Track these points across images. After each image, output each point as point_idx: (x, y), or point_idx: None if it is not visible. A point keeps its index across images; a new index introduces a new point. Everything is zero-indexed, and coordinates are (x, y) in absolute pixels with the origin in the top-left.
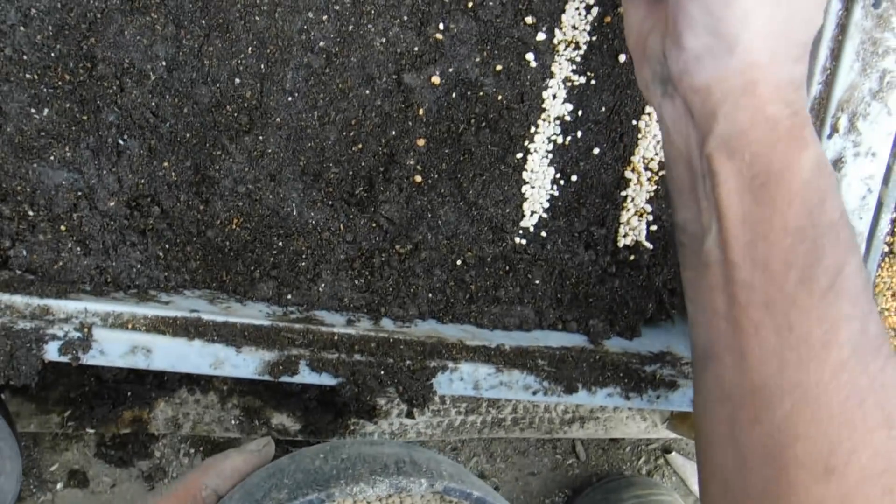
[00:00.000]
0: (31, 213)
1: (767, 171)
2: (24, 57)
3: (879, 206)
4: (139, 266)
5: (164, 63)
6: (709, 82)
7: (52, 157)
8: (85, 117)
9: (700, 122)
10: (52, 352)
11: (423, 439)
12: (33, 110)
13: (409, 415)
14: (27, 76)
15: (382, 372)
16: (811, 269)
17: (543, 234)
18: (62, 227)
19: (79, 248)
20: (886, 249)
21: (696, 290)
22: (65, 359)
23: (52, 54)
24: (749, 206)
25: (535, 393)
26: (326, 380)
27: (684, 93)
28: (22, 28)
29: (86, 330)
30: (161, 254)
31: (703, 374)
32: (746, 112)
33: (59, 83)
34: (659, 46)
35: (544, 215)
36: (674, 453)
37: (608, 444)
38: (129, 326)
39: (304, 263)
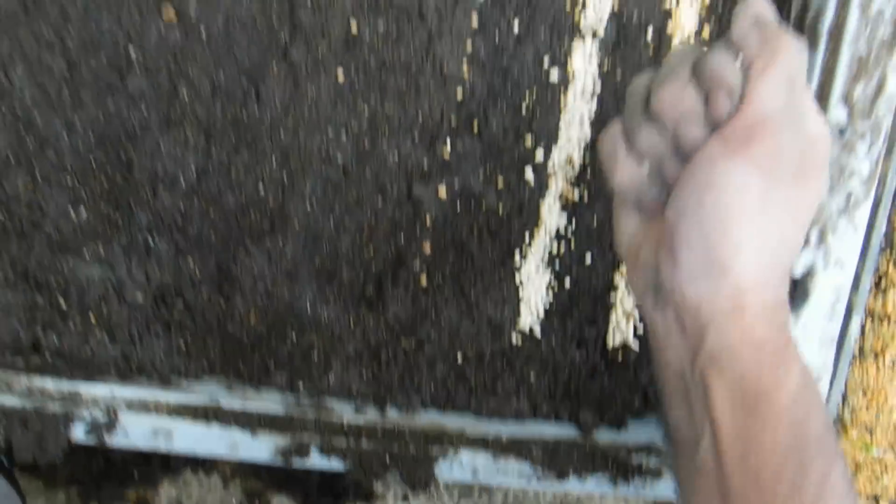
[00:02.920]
0: (63, 303)
1: (756, 391)
2: (66, 163)
3: (849, 310)
4: (162, 355)
5: (194, 171)
6: (700, 301)
7: (86, 254)
8: (119, 218)
9: (689, 336)
10: (79, 433)
11: None
12: (71, 211)
13: (405, 499)
14: (68, 180)
15: (388, 458)
16: (799, 481)
17: (538, 333)
18: (92, 317)
19: (106, 337)
20: (857, 352)
21: (689, 486)
22: (90, 440)
23: (93, 161)
24: (741, 422)
25: (529, 480)
26: (336, 464)
27: (676, 307)
28: (66, 136)
29: (112, 413)
30: (183, 344)
31: None
32: (735, 332)
33: (97, 187)
34: (652, 258)
35: (540, 316)
36: None
37: None
38: (153, 410)
39: (315, 357)
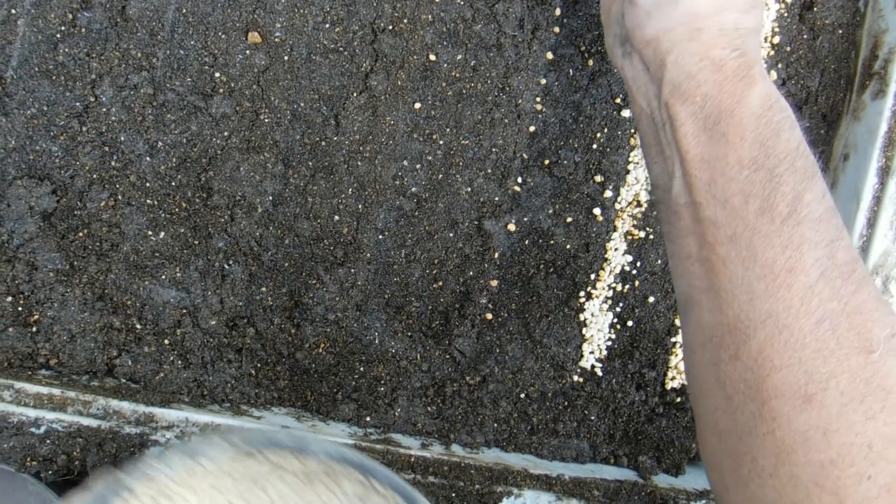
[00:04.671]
0: (138, 326)
1: (718, 110)
2: (147, 184)
3: None
4: (233, 381)
5: (271, 198)
6: (657, 33)
7: (163, 277)
8: (196, 242)
9: (653, 73)
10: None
11: None
12: (150, 233)
13: None
14: (148, 201)
15: (454, 494)
16: (769, 198)
17: (600, 373)
18: (166, 341)
19: (180, 362)
20: None
21: (672, 241)
22: None
23: (173, 183)
24: (706, 146)
25: None
26: None
27: (638, 47)
28: (148, 158)
29: (186, 438)
30: (253, 371)
31: (687, 325)
32: (693, 57)
33: (176, 210)
34: (619, 9)
35: (601, 356)
36: None
37: None
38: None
39: (382, 388)
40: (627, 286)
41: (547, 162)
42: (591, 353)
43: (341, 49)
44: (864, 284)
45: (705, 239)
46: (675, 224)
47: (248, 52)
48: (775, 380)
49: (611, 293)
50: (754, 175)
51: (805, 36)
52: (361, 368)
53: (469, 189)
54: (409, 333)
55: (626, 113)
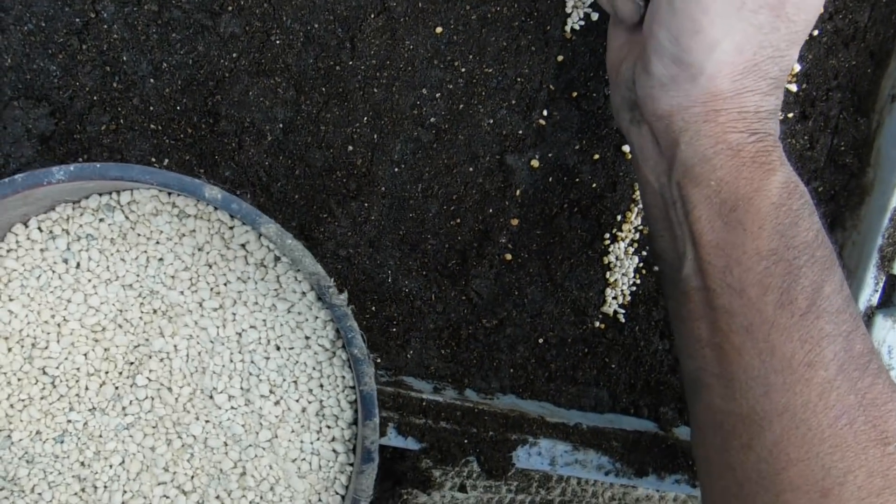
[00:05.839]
0: None
1: (735, 197)
2: (151, 108)
3: None
4: None
5: (281, 125)
6: (671, 110)
7: None
8: (202, 170)
9: (664, 149)
10: None
11: None
12: (153, 159)
13: (462, 489)
14: (151, 126)
15: (466, 440)
16: (788, 290)
17: (622, 319)
18: None
19: None
20: None
21: (679, 319)
22: None
23: (178, 108)
24: (721, 232)
25: (607, 473)
26: (411, 444)
27: (649, 119)
28: (152, 80)
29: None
30: None
31: (695, 403)
32: (708, 140)
33: (182, 136)
34: (630, 72)
35: (625, 302)
36: None
37: None
38: None
39: (395, 329)
40: None
41: (575, 94)
42: (615, 298)
43: None
44: (880, 375)
45: (718, 326)
46: (685, 305)
47: None
48: (791, 474)
49: (637, 236)
50: (774, 267)
51: None
52: (373, 308)
53: (491, 121)
54: (424, 272)
55: None
